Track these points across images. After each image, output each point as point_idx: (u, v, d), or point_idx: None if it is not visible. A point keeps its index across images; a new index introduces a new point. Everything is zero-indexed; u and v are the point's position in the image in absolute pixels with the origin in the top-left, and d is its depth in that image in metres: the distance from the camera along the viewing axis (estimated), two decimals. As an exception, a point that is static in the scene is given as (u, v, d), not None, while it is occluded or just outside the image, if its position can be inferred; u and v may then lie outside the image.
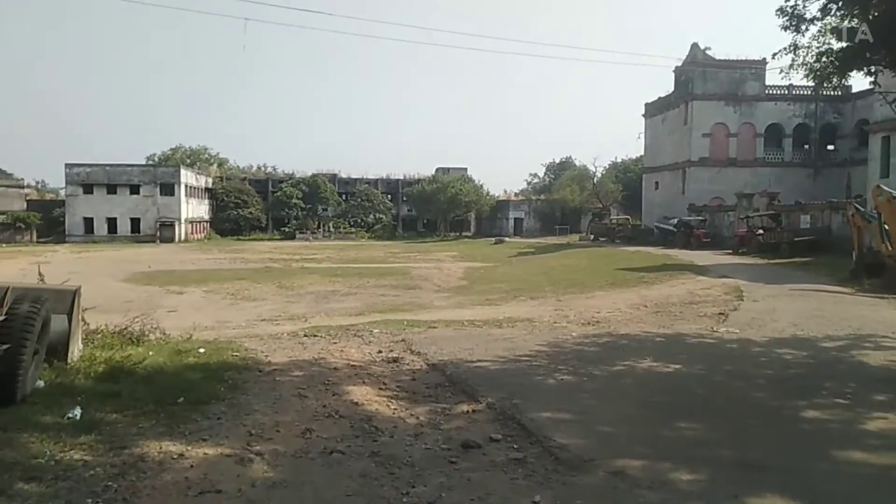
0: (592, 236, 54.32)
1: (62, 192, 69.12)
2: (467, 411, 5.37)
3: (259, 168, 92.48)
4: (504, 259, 37.94)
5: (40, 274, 8.78)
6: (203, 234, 69.95)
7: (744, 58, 46.21)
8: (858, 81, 40.20)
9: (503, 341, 8.66)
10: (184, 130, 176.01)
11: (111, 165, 64.39)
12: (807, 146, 47.15)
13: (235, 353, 7.15)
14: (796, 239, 28.92)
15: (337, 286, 24.05)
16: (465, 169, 78.25)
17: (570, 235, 60.22)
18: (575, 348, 8.26)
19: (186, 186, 65.82)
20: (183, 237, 64.34)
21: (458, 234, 72.67)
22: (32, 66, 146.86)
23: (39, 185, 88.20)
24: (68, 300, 5.96)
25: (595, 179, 64.05)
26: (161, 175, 65.51)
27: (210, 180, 75.44)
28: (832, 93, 37.90)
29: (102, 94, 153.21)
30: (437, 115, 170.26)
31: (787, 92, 45.81)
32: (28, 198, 71.15)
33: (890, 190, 17.63)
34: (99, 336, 8.31)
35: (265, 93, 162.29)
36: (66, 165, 63.31)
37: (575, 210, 67.89)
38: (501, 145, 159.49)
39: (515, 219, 71.88)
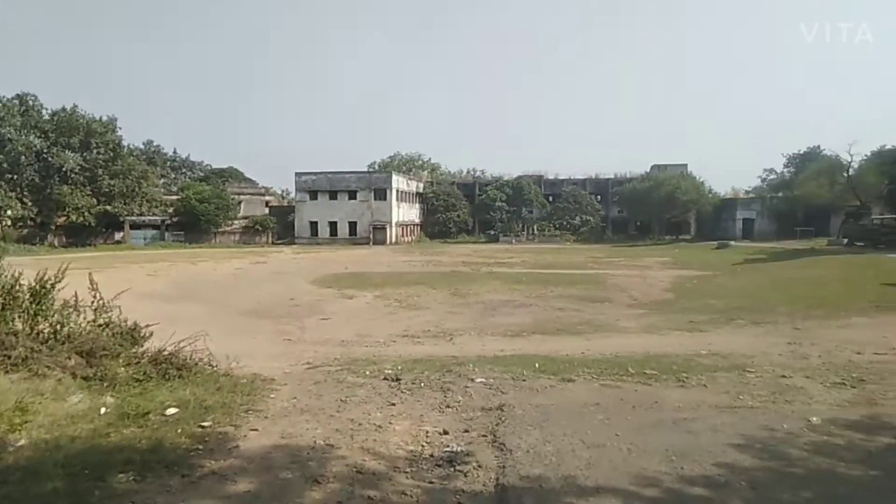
0: (846, 240, 44.13)
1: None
2: None
3: (468, 172, 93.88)
4: (726, 267, 31.80)
5: (92, 283, 7.29)
6: (413, 237, 72.14)
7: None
8: None
9: (673, 427, 4.90)
10: (403, 138, 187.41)
11: (332, 173, 69.10)
12: None
13: (203, 425, 4.68)
14: None
15: (515, 295, 21.28)
16: (685, 166, 70.38)
17: (815, 239, 50.04)
18: (814, 462, 4.13)
19: (398, 191, 68.32)
20: (394, 240, 66.73)
21: (674, 237, 65.26)
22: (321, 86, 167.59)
23: (284, 193, 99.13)
24: None
25: (850, 171, 52.43)
26: (375, 181, 68.75)
27: (421, 185, 77.94)
28: None
29: (345, 107, 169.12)
30: (655, 110, 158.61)
31: None
32: (269, 204, 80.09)
33: None
34: (133, 364, 6.57)
35: (475, 95, 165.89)
36: (296, 174, 69.47)
37: (822, 209, 56.45)
38: (729, 139, 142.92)
39: (744, 220, 62.40)
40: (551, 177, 77.17)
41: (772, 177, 76.97)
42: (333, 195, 68.57)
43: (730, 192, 72.85)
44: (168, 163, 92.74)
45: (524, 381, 6.34)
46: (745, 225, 61.93)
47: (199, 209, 64.09)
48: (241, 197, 74.07)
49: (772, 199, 64.01)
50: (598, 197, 73.78)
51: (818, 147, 70.32)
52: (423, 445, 4.38)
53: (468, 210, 74.08)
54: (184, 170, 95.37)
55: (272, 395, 5.73)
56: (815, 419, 5.14)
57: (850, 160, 52.64)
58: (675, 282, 25.36)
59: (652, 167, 71.60)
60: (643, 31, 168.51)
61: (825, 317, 14.69)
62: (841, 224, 51.40)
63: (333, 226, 68.20)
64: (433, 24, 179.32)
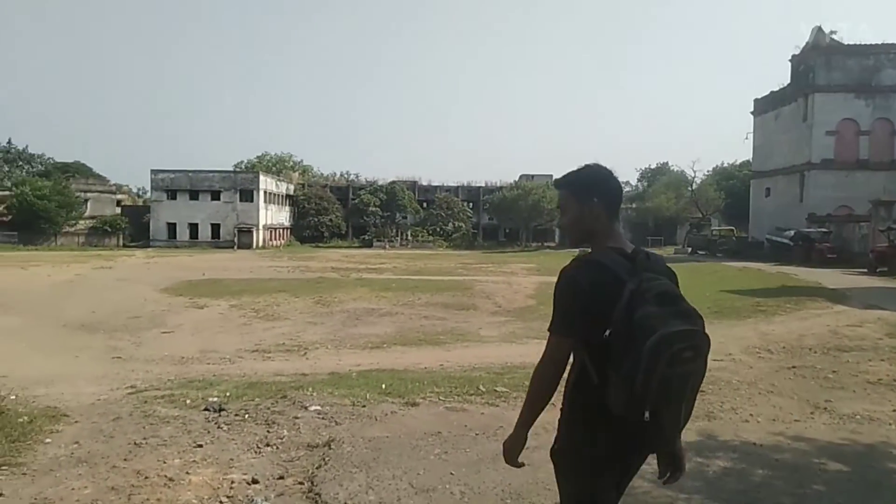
0: (690, 249, 48.30)
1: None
2: None
3: (342, 175, 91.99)
4: (585, 274, 33.27)
5: None
6: (283, 241, 69.34)
7: (880, 41, 39.20)
8: None
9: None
10: (272, 139, 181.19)
11: (194, 171, 64.81)
12: (960, 145, 39.22)
13: None
14: (962, 258, 22.71)
15: (381, 303, 20.68)
16: (551, 176, 73.55)
17: (663, 247, 54.27)
18: (653, 497, 3.84)
19: (266, 193, 65.33)
20: (261, 244, 63.74)
21: (540, 244, 68.07)
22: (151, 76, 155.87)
23: (139, 192, 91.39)
24: None
25: (693, 185, 57.54)
26: (241, 181, 65.34)
27: (292, 187, 75.09)
28: None
29: (207, 103, 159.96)
30: (525, 122, 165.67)
31: (934, 81, 38.43)
32: (122, 203, 73.52)
33: None
34: None
35: (352, 100, 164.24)
36: (152, 171, 64.34)
37: (670, 220, 61.53)
38: (591, 153, 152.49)
39: (604, 229, 66.34)
40: (424, 183, 77.63)
41: (627, 189, 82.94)
42: (194, 195, 64.29)
43: (591, 203, 77.40)
44: (0, 155, 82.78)
45: (364, 407, 5.72)
46: (603, 234, 65.68)
47: (37, 207, 57.44)
48: (89, 195, 67.57)
49: (627, 210, 68.63)
50: (470, 204, 75.24)
51: (667, 163, 76.69)
52: (221, 502, 3.65)
53: (341, 214, 72.44)
54: (20, 163, 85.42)
55: (48, 440, 4.67)
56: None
57: (693, 175, 57.77)
58: (538, 288, 26.00)
59: (520, 177, 74.27)
60: (516, 48, 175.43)
61: (670, 323, 15.49)
62: (686, 234, 56.13)
63: (194, 228, 63.95)
64: (301, 24, 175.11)
